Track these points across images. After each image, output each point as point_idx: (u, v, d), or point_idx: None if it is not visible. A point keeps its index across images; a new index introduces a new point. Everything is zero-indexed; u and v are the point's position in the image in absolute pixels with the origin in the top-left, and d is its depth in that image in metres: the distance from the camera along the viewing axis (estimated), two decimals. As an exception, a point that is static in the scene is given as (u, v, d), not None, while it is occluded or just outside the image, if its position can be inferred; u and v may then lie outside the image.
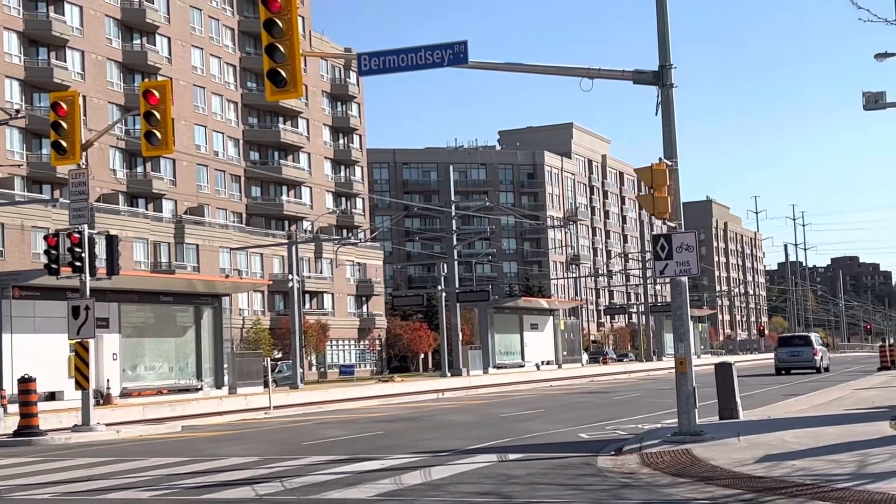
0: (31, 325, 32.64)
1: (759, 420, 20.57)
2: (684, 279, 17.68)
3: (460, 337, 63.52)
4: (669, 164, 17.46)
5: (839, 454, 14.26)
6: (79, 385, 25.35)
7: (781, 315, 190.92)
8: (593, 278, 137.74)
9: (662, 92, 17.87)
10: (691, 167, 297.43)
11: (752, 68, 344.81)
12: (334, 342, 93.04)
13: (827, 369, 54.45)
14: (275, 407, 34.84)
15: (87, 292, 25.38)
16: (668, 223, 17.40)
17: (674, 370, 17.79)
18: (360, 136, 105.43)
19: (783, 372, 52.53)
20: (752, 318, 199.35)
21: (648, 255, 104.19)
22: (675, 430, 17.54)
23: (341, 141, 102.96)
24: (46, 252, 25.80)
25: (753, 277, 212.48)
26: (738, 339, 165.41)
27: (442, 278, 63.83)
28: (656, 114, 17.88)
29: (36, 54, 71.37)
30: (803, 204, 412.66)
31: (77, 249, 25.19)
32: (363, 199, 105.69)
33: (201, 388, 39.70)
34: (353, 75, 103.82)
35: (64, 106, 24.73)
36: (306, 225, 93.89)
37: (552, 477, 13.98)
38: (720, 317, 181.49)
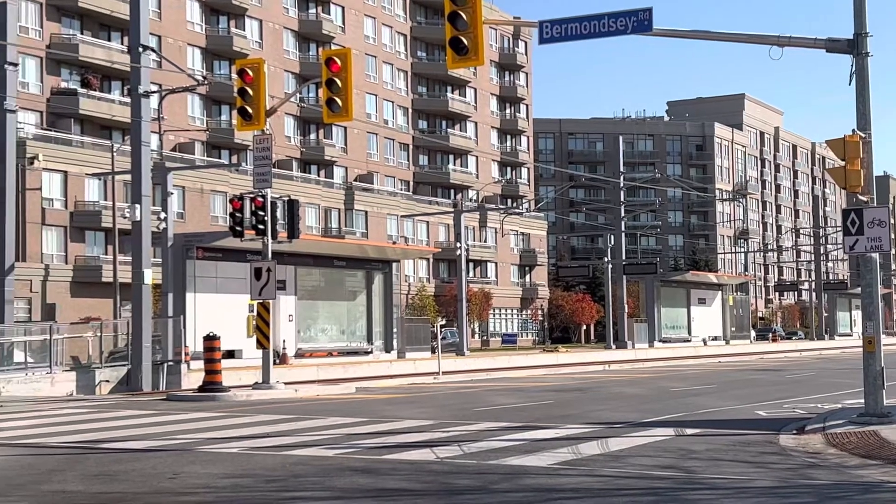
0: (212, 285, 33.85)
1: (949, 404, 19.71)
2: (876, 255, 17.07)
3: (626, 309, 63.02)
4: (863, 135, 16.84)
5: None
6: (259, 344, 26.18)
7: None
8: (762, 254, 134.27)
9: (857, 61, 17.19)
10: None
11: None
12: (497, 311, 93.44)
13: None
14: (443, 372, 35.30)
15: (269, 255, 26.14)
16: (860, 197, 16.80)
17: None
18: (527, 105, 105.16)
19: None
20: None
21: (825, 231, 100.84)
22: (860, 411, 17.02)
23: (508, 110, 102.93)
24: (231, 215, 26.62)
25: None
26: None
27: (608, 250, 63.34)
28: (850, 83, 17.23)
29: (216, 23, 73.60)
30: None
31: (261, 213, 25.92)
32: (528, 168, 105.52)
33: (371, 352, 40.50)
34: (521, 44, 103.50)
35: (250, 73, 25.41)
36: (471, 194, 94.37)
37: (734, 454, 13.75)
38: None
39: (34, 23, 61.63)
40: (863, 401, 17.17)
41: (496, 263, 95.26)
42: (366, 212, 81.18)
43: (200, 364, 26.95)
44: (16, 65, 33.96)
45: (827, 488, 11.06)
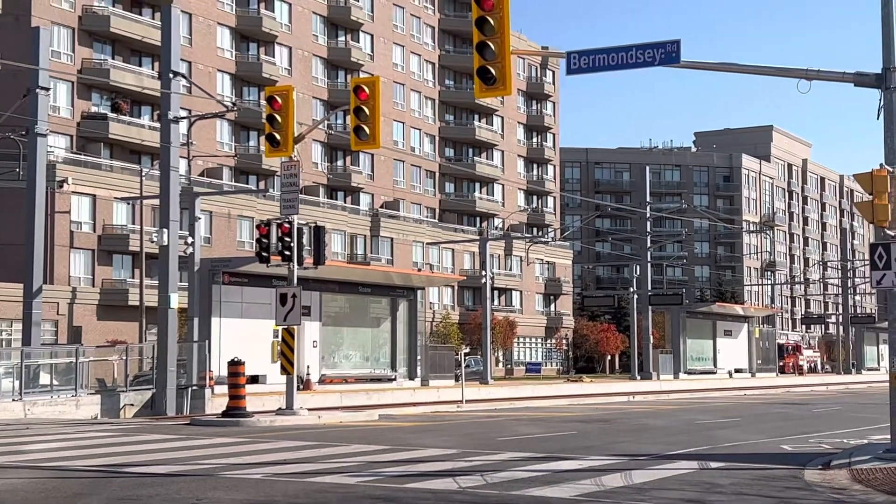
0: (237, 310, 33.99)
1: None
2: (903, 291, 16.94)
3: (651, 340, 62.75)
4: (891, 170, 16.76)
5: None
6: (284, 370, 26.22)
7: None
8: (789, 286, 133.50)
9: (885, 95, 17.15)
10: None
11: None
12: (521, 339, 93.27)
13: None
14: (466, 401, 35.22)
15: (295, 280, 26.22)
16: (888, 231, 16.72)
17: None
18: (554, 134, 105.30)
19: None
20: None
21: (853, 264, 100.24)
22: (886, 447, 16.86)
23: (534, 139, 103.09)
24: (258, 241, 26.75)
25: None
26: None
27: (634, 280, 63.19)
28: (878, 118, 17.19)
29: (246, 50, 74.21)
30: None
31: (287, 239, 26.03)
32: (554, 197, 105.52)
33: (395, 379, 40.50)
34: (549, 74, 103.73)
35: (279, 100, 25.61)
36: (497, 222, 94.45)
37: (758, 488, 13.66)
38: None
39: (66, 48, 62.33)
40: (889, 437, 17.02)
41: (521, 292, 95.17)
42: (391, 239, 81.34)
43: (225, 389, 27.01)
44: (47, 89, 34.35)
45: (852, 525, 10.96)
